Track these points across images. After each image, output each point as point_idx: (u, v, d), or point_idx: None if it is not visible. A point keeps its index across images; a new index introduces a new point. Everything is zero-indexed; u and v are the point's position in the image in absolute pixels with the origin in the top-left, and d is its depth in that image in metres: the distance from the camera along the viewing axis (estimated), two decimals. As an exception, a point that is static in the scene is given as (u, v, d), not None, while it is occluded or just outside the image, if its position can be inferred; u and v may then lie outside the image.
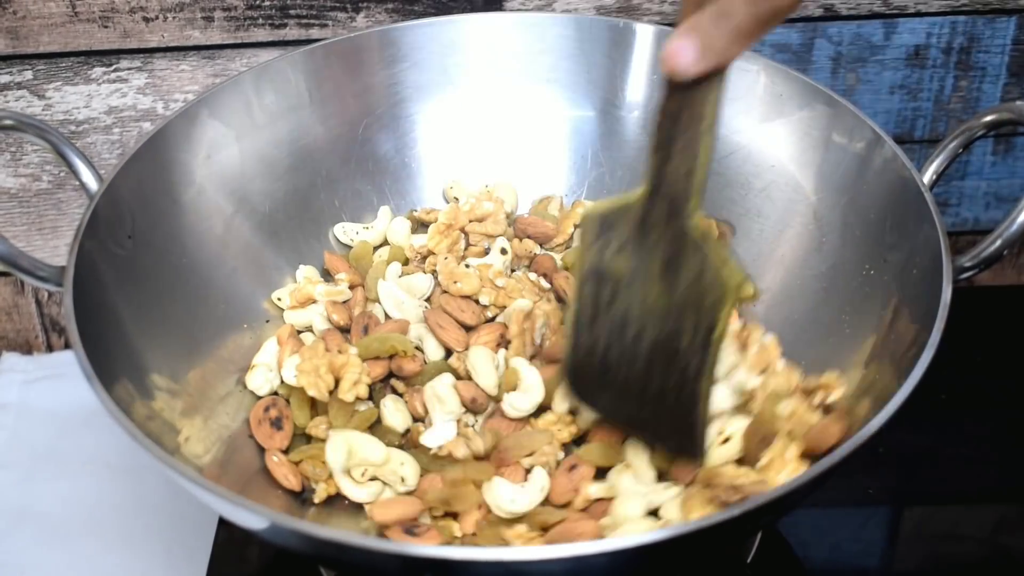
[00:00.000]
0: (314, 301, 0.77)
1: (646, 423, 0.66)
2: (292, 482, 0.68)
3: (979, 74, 0.91)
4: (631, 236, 0.61)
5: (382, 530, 0.64)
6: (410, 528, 0.63)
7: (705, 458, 0.65)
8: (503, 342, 0.74)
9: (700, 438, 0.64)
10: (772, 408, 0.66)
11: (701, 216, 0.58)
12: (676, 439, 0.65)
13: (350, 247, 0.81)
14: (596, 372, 0.66)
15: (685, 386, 0.62)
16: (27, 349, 0.99)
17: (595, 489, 0.66)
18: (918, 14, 0.88)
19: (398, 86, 0.82)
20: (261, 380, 0.73)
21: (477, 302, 0.76)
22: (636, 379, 0.64)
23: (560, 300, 0.77)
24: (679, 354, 0.61)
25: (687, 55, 0.54)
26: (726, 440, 0.66)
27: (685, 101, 0.56)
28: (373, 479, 0.68)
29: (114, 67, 0.87)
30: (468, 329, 0.74)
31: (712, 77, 0.55)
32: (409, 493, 0.67)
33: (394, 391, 0.73)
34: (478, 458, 0.68)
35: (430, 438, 0.69)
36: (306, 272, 0.79)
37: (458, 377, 0.72)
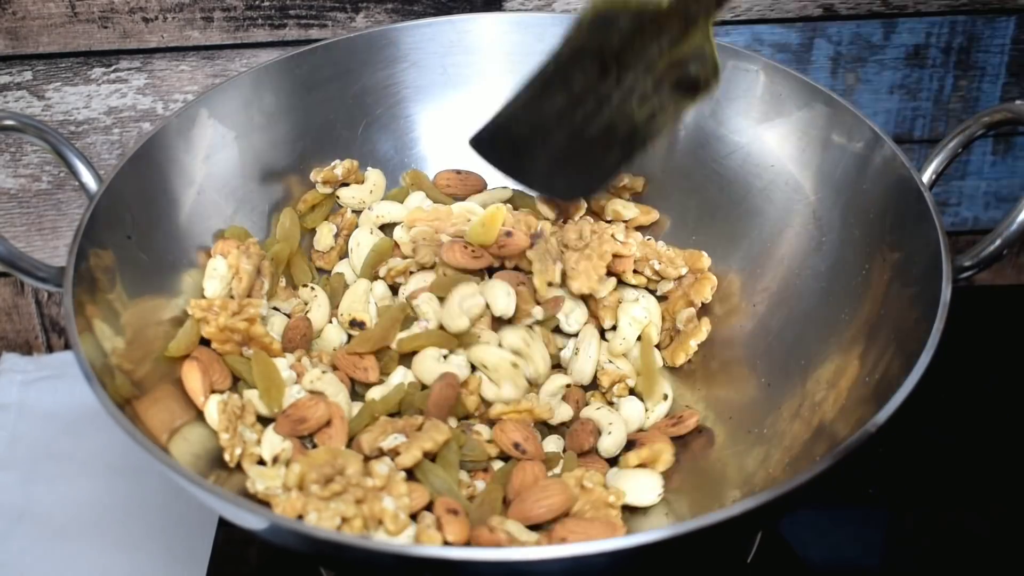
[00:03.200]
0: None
1: (544, 175, 0.73)
2: None
3: (979, 74, 0.91)
4: (640, 27, 0.66)
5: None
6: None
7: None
8: None
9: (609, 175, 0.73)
10: None
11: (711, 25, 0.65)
12: (572, 184, 0.73)
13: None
14: (517, 133, 0.72)
15: (631, 142, 0.69)
16: (27, 349, 0.99)
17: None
18: (917, 14, 0.88)
19: (398, 86, 0.82)
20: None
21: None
22: (564, 143, 0.71)
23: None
24: (632, 121, 0.69)
25: None
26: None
27: None
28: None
29: (114, 67, 0.87)
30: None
31: None
32: None
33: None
34: None
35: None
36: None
37: None
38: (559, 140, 0.71)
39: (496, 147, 0.74)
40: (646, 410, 0.73)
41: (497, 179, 0.84)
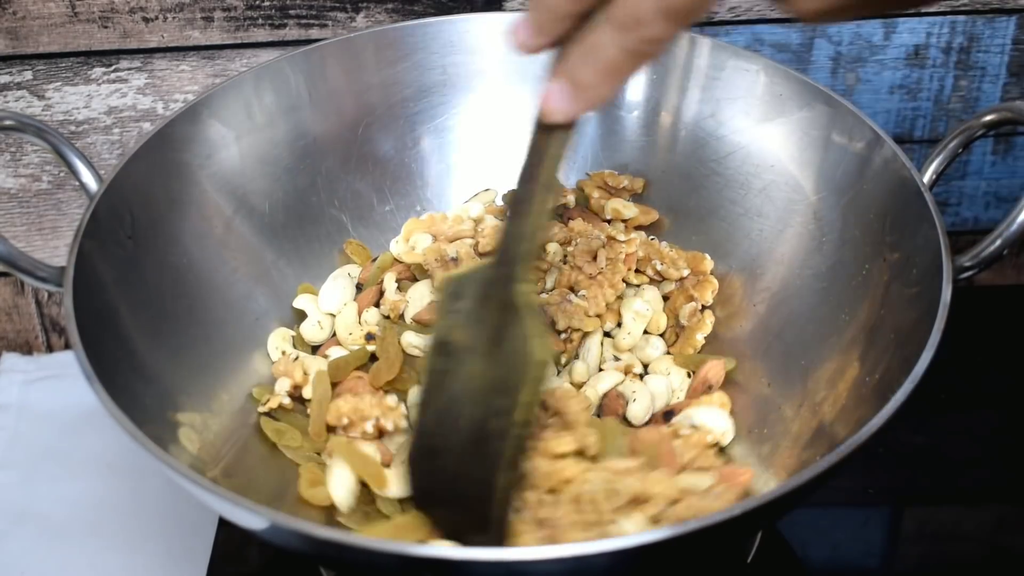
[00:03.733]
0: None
1: (448, 517, 0.61)
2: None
3: (979, 74, 0.91)
4: (473, 306, 0.58)
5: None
6: None
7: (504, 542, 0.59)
8: None
9: (497, 531, 0.59)
10: None
11: (528, 286, 0.56)
12: (475, 533, 0.60)
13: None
14: (427, 456, 0.61)
15: (486, 473, 0.58)
16: (27, 349, 0.99)
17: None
18: (917, 14, 0.88)
19: (398, 86, 0.82)
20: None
21: None
22: (451, 464, 0.59)
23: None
24: (488, 439, 0.57)
25: (556, 99, 0.51)
26: None
27: (539, 145, 0.54)
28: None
29: (114, 67, 0.87)
30: None
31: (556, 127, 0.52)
32: None
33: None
34: None
35: None
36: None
37: None
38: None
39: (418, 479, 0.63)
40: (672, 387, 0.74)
41: (491, 182, 0.84)
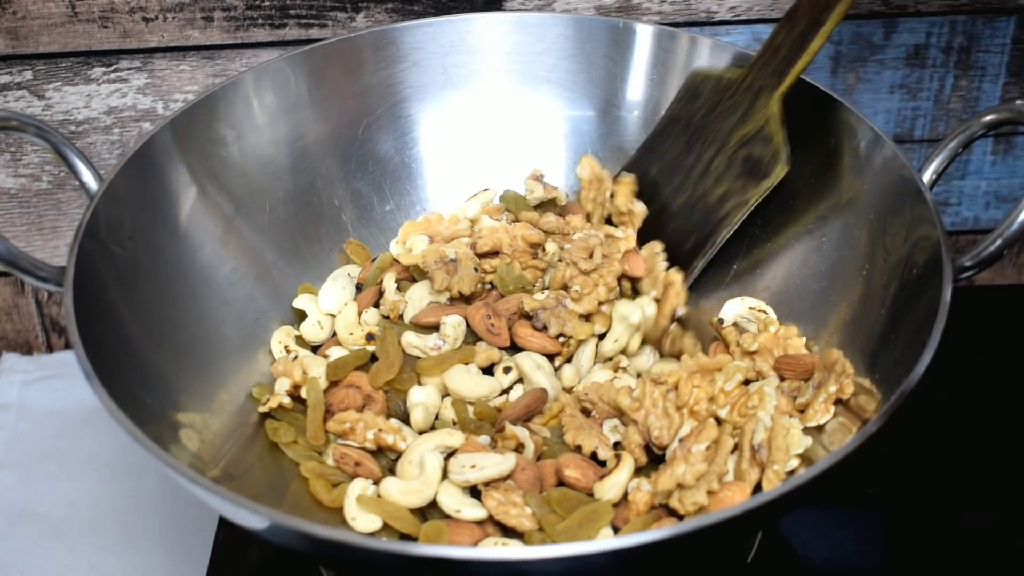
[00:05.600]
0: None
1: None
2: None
3: (979, 74, 0.91)
4: (718, 100, 0.70)
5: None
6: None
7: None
8: None
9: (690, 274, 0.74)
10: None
11: (780, 104, 0.68)
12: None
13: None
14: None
15: (704, 228, 0.72)
16: (27, 349, 0.99)
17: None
18: (918, 13, 0.88)
19: (398, 86, 0.82)
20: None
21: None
22: (651, 220, 0.75)
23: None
24: (707, 203, 0.72)
25: None
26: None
27: (810, 9, 0.65)
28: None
29: (114, 67, 0.87)
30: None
31: None
32: None
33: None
34: None
35: None
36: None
37: None
38: (647, 214, 0.76)
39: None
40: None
41: (490, 182, 0.84)
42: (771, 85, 0.68)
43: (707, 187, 0.72)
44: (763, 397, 0.66)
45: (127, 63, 0.87)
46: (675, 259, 0.74)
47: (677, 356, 0.73)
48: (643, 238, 0.76)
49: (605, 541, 0.51)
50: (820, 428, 0.66)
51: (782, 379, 0.69)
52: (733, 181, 0.71)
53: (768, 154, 0.68)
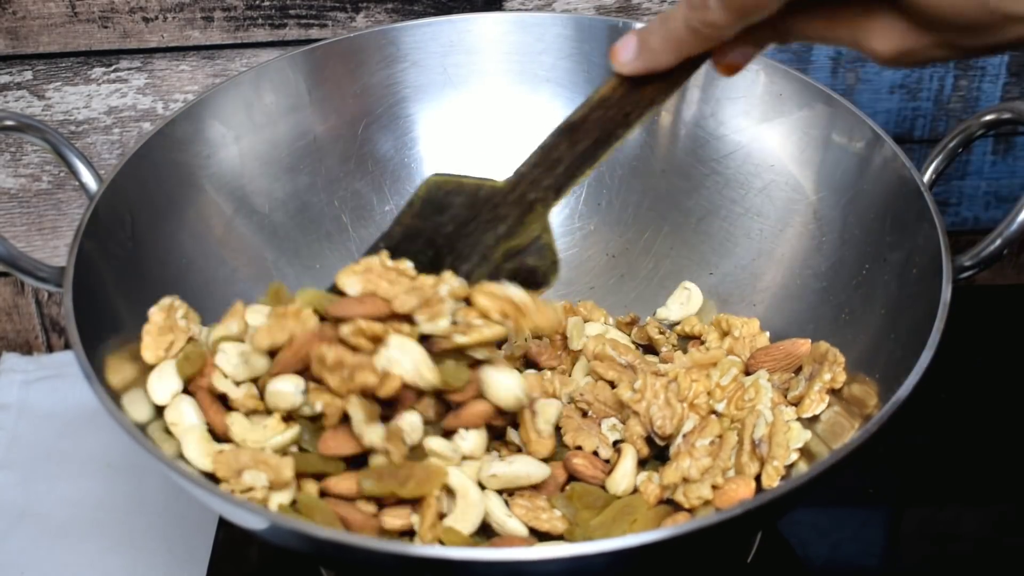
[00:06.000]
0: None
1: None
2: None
3: (979, 73, 0.91)
4: (475, 213, 0.65)
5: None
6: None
7: None
8: None
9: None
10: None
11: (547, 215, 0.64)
12: None
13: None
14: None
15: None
16: (27, 349, 0.99)
17: None
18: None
19: (398, 86, 0.82)
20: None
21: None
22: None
23: None
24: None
25: (625, 52, 0.58)
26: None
27: (622, 101, 0.61)
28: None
29: (114, 67, 0.87)
30: None
31: (648, 95, 0.60)
32: None
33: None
34: None
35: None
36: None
37: None
38: None
39: None
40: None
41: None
42: (547, 199, 0.64)
43: None
44: (759, 390, 0.66)
45: (127, 63, 0.87)
46: None
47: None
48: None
49: (605, 541, 0.51)
50: (815, 419, 0.67)
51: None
52: None
53: (546, 264, 0.64)
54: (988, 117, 0.69)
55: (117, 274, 0.68)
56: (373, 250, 0.66)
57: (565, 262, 0.82)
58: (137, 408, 0.62)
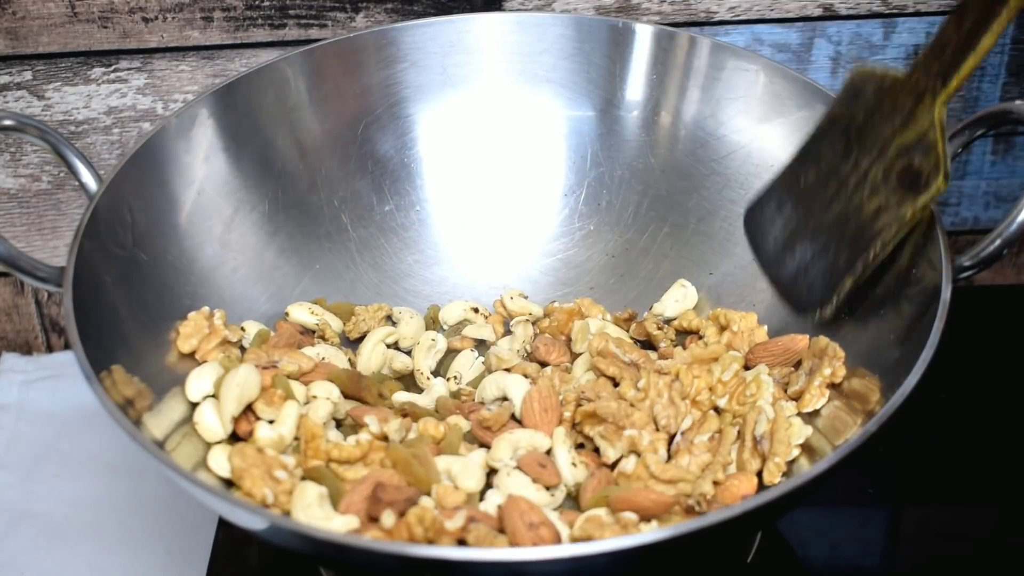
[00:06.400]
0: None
1: (789, 284, 0.73)
2: None
3: (978, 73, 0.91)
4: (880, 101, 0.66)
5: None
6: None
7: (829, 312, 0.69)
8: None
9: (839, 295, 0.69)
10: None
11: (944, 109, 0.64)
12: (812, 297, 0.70)
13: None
14: (773, 219, 0.73)
15: (857, 244, 0.67)
16: (27, 349, 0.99)
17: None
18: (917, 13, 0.88)
19: (397, 86, 0.82)
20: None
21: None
22: (805, 233, 0.71)
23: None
24: (861, 216, 0.67)
25: None
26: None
27: (980, 3, 0.61)
28: None
29: (113, 67, 0.87)
30: None
31: None
32: None
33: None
34: None
35: None
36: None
37: None
38: (800, 226, 0.72)
39: (754, 218, 0.76)
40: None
41: (491, 181, 0.83)
42: (936, 87, 0.63)
43: (863, 198, 0.67)
44: (760, 385, 0.66)
45: (127, 63, 0.87)
46: (826, 274, 0.70)
47: None
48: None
49: (605, 542, 0.51)
50: (815, 414, 0.67)
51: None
52: (890, 194, 0.66)
53: (929, 165, 0.64)
54: (987, 117, 0.69)
55: (117, 274, 0.68)
56: (812, 137, 0.71)
57: (564, 262, 0.83)
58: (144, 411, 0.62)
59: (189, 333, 0.70)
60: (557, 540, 0.58)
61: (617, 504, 0.60)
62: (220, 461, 0.63)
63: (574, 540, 0.59)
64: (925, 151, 0.64)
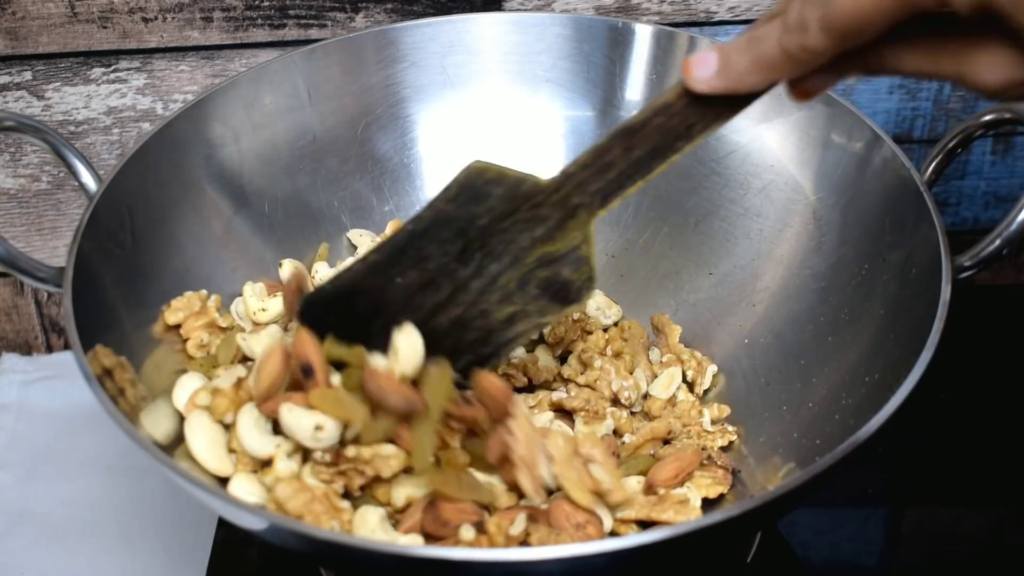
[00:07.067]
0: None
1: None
2: None
3: (978, 74, 0.90)
4: (514, 207, 0.61)
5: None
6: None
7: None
8: None
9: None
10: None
11: (592, 225, 0.61)
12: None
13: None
14: (358, 308, 0.64)
15: (483, 348, 0.64)
16: (27, 350, 0.99)
17: None
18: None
19: (397, 86, 0.82)
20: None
21: None
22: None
23: None
24: (489, 322, 0.63)
25: (703, 68, 0.54)
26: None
27: (686, 111, 0.56)
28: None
29: (113, 68, 0.87)
30: None
31: (715, 110, 0.56)
32: None
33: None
34: None
35: None
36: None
37: None
38: (397, 325, 0.62)
39: (330, 317, 0.64)
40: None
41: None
42: (592, 205, 0.60)
43: (490, 304, 0.63)
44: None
45: (126, 63, 0.87)
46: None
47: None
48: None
49: (605, 542, 0.51)
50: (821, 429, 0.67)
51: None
52: (528, 302, 0.63)
53: (581, 278, 0.61)
54: (987, 117, 0.69)
55: (117, 274, 0.68)
56: (402, 232, 0.63)
57: (565, 262, 0.83)
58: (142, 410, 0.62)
59: (179, 307, 0.70)
60: (603, 534, 0.61)
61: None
62: (246, 489, 0.61)
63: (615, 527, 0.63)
64: (576, 265, 0.61)
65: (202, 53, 0.87)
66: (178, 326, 0.70)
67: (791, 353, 0.72)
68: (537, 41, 0.82)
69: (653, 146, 0.58)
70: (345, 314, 0.64)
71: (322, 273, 0.77)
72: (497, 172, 0.62)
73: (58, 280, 0.65)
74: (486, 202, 0.62)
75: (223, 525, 0.77)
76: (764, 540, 0.74)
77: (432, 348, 0.62)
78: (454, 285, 0.63)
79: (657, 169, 0.58)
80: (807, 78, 0.53)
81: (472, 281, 0.63)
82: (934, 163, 0.70)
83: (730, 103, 0.55)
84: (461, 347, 0.64)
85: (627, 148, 0.59)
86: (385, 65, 0.82)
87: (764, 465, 0.68)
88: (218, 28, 0.86)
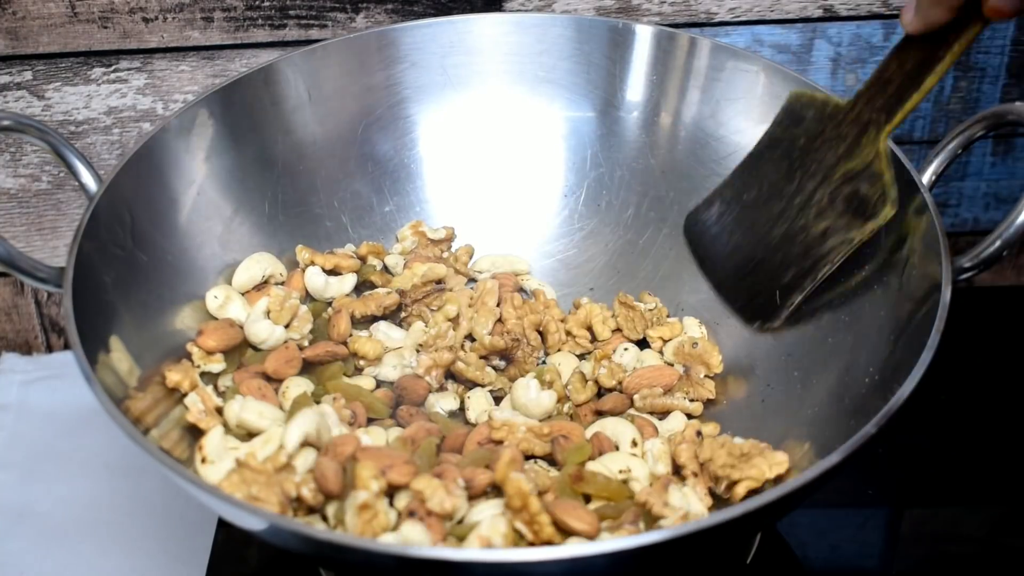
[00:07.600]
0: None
1: (732, 289, 0.75)
2: None
3: (978, 75, 0.91)
4: (822, 128, 0.68)
5: None
6: None
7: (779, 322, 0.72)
8: None
9: (787, 308, 0.71)
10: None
11: (889, 142, 0.66)
12: (757, 306, 0.73)
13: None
14: (714, 228, 0.76)
15: (804, 262, 0.69)
16: (27, 349, 0.99)
17: None
18: None
19: (397, 87, 0.82)
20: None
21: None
22: (749, 246, 0.73)
23: None
24: (808, 236, 0.69)
25: (906, 12, 0.62)
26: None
27: (922, 47, 0.64)
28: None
29: (113, 68, 0.87)
30: None
31: (943, 38, 0.62)
32: None
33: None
34: None
35: None
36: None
37: None
38: (745, 239, 0.73)
39: (696, 225, 0.78)
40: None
41: (490, 182, 0.83)
42: (880, 120, 0.66)
43: (809, 219, 0.69)
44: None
45: (127, 63, 0.87)
46: (770, 291, 0.72)
47: None
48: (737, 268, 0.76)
49: (605, 542, 0.51)
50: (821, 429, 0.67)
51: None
52: (836, 218, 0.68)
53: (875, 193, 0.66)
54: (987, 118, 0.69)
55: (117, 274, 0.68)
56: (752, 155, 0.74)
57: (564, 262, 0.83)
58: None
59: (177, 379, 0.67)
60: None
61: None
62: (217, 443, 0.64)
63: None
64: (871, 180, 0.66)
65: (202, 53, 0.87)
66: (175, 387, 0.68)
67: (791, 355, 0.72)
68: (537, 42, 0.82)
69: (920, 59, 0.64)
70: (703, 232, 0.77)
71: (313, 277, 0.77)
72: (809, 96, 0.71)
73: (58, 280, 0.65)
74: (803, 123, 0.70)
75: (223, 526, 0.77)
76: (764, 540, 0.74)
77: (765, 260, 0.72)
78: (783, 201, 0.70)
79: (928, 81, 0.64)
80: None
81: (795, 197, 0.70)
82: (934, 164, 0.70)
83: (954, 28, 0.62)
84: (789, 259, 0.71)
85: (901, 63, 0.65)
86: (385, 65, 0.82)
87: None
88: (218, 28, 0.86)
